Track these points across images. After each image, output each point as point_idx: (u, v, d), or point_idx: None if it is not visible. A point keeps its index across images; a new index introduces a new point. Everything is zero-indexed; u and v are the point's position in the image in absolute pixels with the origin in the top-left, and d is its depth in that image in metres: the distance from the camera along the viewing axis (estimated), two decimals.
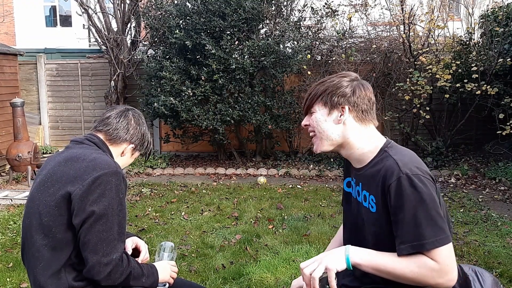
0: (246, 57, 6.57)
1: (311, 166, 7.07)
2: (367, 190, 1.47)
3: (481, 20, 7.36)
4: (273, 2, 6.87)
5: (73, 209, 1.48)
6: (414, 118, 7.18)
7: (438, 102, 7.14)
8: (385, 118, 6.96)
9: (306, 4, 7.31)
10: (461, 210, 4.83)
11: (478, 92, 6.14)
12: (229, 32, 6.51)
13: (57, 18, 17.64)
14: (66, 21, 17.57)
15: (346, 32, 7.24)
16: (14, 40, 16.31)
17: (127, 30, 7.85)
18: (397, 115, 7.03)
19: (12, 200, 5.34)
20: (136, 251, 1.79)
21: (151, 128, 7.94)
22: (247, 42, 6.50)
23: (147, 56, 7.47)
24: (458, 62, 6.44)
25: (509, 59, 6.17)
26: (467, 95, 6.59)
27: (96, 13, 7.75)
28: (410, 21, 6.49)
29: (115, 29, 7.77)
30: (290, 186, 6.07)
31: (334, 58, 7.17)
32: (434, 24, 6.55)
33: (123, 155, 1.75)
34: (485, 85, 6.16)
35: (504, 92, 6.43)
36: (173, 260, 1.85)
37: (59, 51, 9.36)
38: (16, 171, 6.42)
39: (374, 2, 7.32)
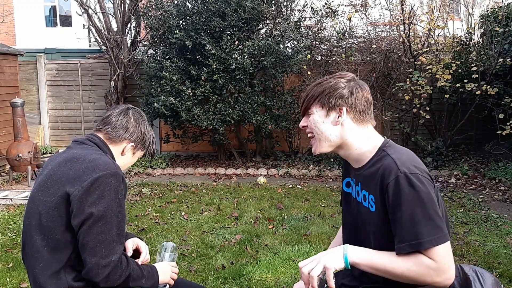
0: (246, 57, 6.57)
1: (311, 166, 7.07)
2: (367, 190, 1.47)
3: (481, 20, 7.36)
4: (273, 2, 6.87)
5: (72, 210, 1.48)
6: (414, 118, 7.18)
7: (438, 102, 7.14)
8: (385, 118, 6.96)
9: (306, 4, 7.31)
10: (461, 210, 4.83)
11: (478, 92, 6.14)
12: (229, 32, 6.51)
13: (57, 18, 17.64)
14: (66, 21, 17.57)
15: (346, 32, 7.24)
16: (14, 40, 16.31)
17: (127, 30, 7.85)
18: (397, 115, 7.03)
19: (12, 200, 5.34)
20: (137, 252, 1.79)
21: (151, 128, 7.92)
22: (247, 42, 6.50)
23: (147, 56, 7.47)
24: (458, 62, 6.44)
25: (509, 59, 6.17)
26: (467, 95, 6.59)
27: (96, 13, 7.75)
28: (410, 21, 6.49)
29: (115, 29, 7.77)
30: (290, 186, 6.07)
31: (334, 58, 7.17)
32: (434, 24, 6.55)
33: (123, 155, 1.73)
34: (485, 85, 6.16)
35: (504, 92, 6.42)
36: (174, 260, 1.85)
37: (59, 51, 9.36)
38: (16, 171, 6.42)
39: (374, 2, 7.32)
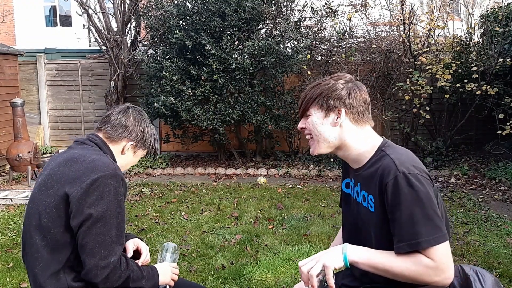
0: (246, 57, 6.57)
1: (311, 166, 7.07)
2: (366, 190, 1.48)
3: (481, 20, 7.36)
4: (273, 2, 6.87)
5: (71, 211, 1.48)
6: (414, 118, 7.18)
7: (438, 102, 7.14)
8: (385, 118, 6.96)
9: (306, 4, 7.31)
10: (461, 210, 4.83)
11: (478, 92, 6.14)
12: (229, 32, 6.51)
13: (57, 18, 17.64)
14: (66, 21, 17.57)
15: (346, 32, 7.24)
16: (14, 40, 16.31)
17: (127, 30, 7.85)
18: (397, 115, 7.03)
19: (12, 200, 5.34)
20: (137, 253, 1.78)
21: None
22: (247, 42, 6.50)
23: (147, 56, 7.47)
24: (458, 62, 6.44)
25: (509, 59, 6.17)
26: (467, 95, 6.59)
27: (96, 13, 7.75)
28: (410, 21, 6.49)
29: (115, 29, 7.77)
30: (290, 186, 6.07)
31: (334, 58, 7.17)
32: (434, 24, 6.55)
33: (123, 154, 1.72)
34: (485, 85, 6.16)
35: (504, 92, 6.43)
36: (176, 261, 1.84)
37: (59, 51, 9.36)
38: (16, 171, 6.42)
39: (374, 2, 7.32)
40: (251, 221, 4.49)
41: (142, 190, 5.77)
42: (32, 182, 6.25)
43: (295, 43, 6.90)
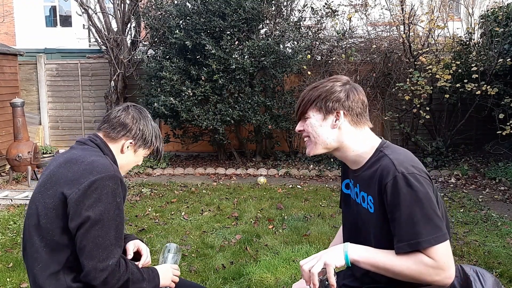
0: (246, 57, 6.57)
1: (311, 166, 7.07)
2: (365, 191, 1.48)
3: (481, 20, 7.36)
4: (273, 2, 6.87)
5: (69, 213, 1.47)
6: (414, 118, 7.18)
7: (438, 102, 7.14)
8: (385, 118, 6.96)
9: (306, 4, 7.31)
10: (461, 210, 4.83)
11: (478, 92, 6.14)
12: (229, 32, 6.51)
13: (57, 18, 17.65)
14: (66, 21, 17.57)
15: (346, 32, 7.24)
16: (14, 40, 16.31)
17: (127, 30, 7.85)
18: (397, 115, 7.03)
19: (12, 200, 5.34)
20: (138, 254, 1.77)
21: None
22: (247, 42, 6.50)
23: (147, 56, 7.47)
24: (458, 62, 6.44)
25: (509, 59, 6.17)
26: (467, 95, 6.59)
27: (96, 13, 7.75)
28: (410, 21, 6.49)
29: (115, 29, 7.77)
30: (290, 186, 6.07)
31: (334, 58, 7.17)
32: (434, 24, 6.55)
33: (123, 153, 1.69)
34: (485, 85, 6.16)
35: (504, 92, 6.43)
36: (177, 262, 1.83)
37: (59, 51, 9.35)
38: (16, 171, 6.42)
39: (374, 2, 7.32)
40: (251, 221, 4.49)
41: (142, 190, 5.77)
42: (32, 182, 6.25)
43: (295, 43, 6.90)
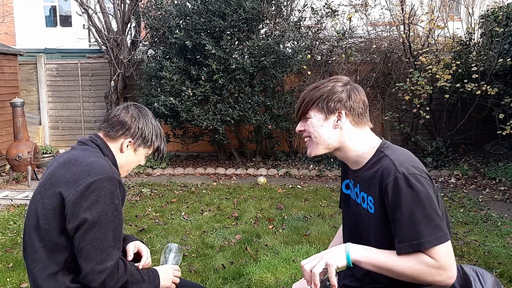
0: (246, 57, 6.57)
1: (311, 166, 7.07)
2: (365, 191, 1.48)
3: (481, 20, 7.36)
4: (273, 2, 6.87)
5: (66, 214, 1.46)
6: (414, 118, 7.18)
7: (438, 102, 7.14)
8: (385, 118, 6.96)
9: (306, 4, 7.31)
10: (461, 210, 4.83)
11: (478, 92, 6.14)
12: (229, 32, 6.51)
13: (57, 18, 17.65)
14: (66, 21, 17.57)
15: (346, 32, 7.24)
16: (14, 40, 16.31)
17: (127, 30, 7.85)
18: (397, 115, 7.03)
19: (12, 200, 5.34)
20: (138, 256, 1.76)
21: None
22: (247, 42, 6.50)
23: (147, 56, 7.48)
24: (458, 62, 6.44)
25: (509, 59, 6.17)
26: (467, 95, 6.59)
27: (96, 13, 7.75)
28: (410, 21, 6.49)
29: (115, 29, 7.77)
30: (290, 186, 6.07)
31: (334, 58, 7.17)
32: (434, 24, 6.55)
33: (123, 152, 1.67)
34: (485, 85, 6.16)
35: (504, 92, 6.43)
36: (179, 262, 1.82)
37: (59, 51, 9.35)
38: (16, 171, 6.42)
39: (374, 2, 7.32)
40: (251, 221, 4.49)
41: (142, 190, 5.77)
42: (32, 182, 6.25)
43: (295, 43, 6.91)
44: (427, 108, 6.59)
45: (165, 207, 5.08)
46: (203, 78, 6.60)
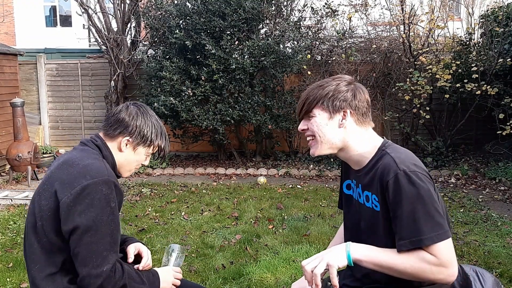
0: (246, 57, 6.57)
1: (311, 166, 7.07)
2: (369, 190, 1.47)
3: (481, 20, 7.36)
4: (273, 2, 6.87)
5: (61, 216, 1.45)
6: (414, 118, 7.18)
7: (438, 102, 7.14)
8: (385, 118, 6.96)
9: (306, 4, 7.31)
10: (461, 210, 4.83)
11: (478, 92, 6.14)
12: (229, 32, 6.51)
13: (57, 18, 17.65)
14: (66, 21, 17.57)
15: (346, 32, 7.24)
16: (14, 40, 16.31)
17: (127, 30, 7.85)
18: (397, 115, 7.03)
19: (12, 200, 5.34)
20: (139, 257, 1.75)
21: None
22: (247, 42, 6.50)
23: (147, 56, 7.47)
24: (458, 62, 6.44)
25: (509, 59, 6.17)
26: (467, 95, 6.59)
27: (96, 13, 7.75)
28: (410, 21, 6.49)
29: (115, 29, 7.76)
30: (290, 186, 6.07)
31: (334, 58, 7.17)
32: (434, 24, 6.55)
33: (121, 151, 1.64)
34: (485, 85, 6.16)
35: (504, 92, 6.43)
36: (180, 264, 1.81)
37: (59, 51, 9.35)
38: (16, 171, 6.42)
39: (374, 2, 7.32)
40: (251, 221, 4.49)
41: (142, 190, 5.77)
42: (32, 182, 6.25)
43: (295, 43, 6.90)
44: (427, 108, 6.58)
45: (165, 207, 5.08)
46: (203, 78, 6.60)
